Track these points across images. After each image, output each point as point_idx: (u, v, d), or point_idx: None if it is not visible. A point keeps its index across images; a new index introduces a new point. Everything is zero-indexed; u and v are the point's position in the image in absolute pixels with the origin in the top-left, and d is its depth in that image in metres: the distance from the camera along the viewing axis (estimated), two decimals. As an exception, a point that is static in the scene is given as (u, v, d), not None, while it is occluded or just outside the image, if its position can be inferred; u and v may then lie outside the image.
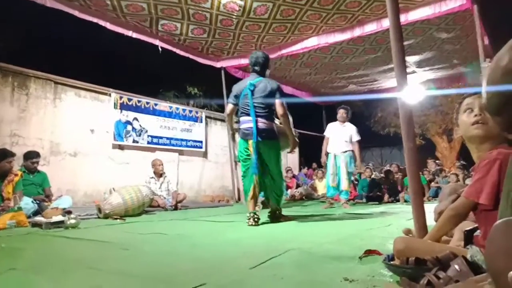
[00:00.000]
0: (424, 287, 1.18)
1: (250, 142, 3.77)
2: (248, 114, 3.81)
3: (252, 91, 3.81)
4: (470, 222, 1.55)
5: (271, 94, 3.81)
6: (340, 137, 6.18)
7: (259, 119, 3.77)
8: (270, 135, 3.80)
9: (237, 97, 3.95)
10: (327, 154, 6.30)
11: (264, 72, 3.99)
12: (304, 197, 9.01)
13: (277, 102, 3.80)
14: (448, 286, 1.10)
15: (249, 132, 3.77)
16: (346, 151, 6.14)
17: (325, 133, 6.38)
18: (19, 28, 10.27)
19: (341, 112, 6.29)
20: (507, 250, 0.81)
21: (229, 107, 4.09)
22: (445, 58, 7.97)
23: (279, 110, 3.81)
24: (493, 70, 0.93)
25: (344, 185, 6.08)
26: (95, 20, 5.59)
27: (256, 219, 3.63)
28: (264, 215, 4.01)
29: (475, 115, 1.47)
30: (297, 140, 4.26)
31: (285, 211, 4.28)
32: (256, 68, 3.97)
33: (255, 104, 3.78)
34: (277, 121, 4.03)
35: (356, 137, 6.21)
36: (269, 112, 3.83)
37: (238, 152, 4.08)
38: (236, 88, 4.01)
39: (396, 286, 1.38)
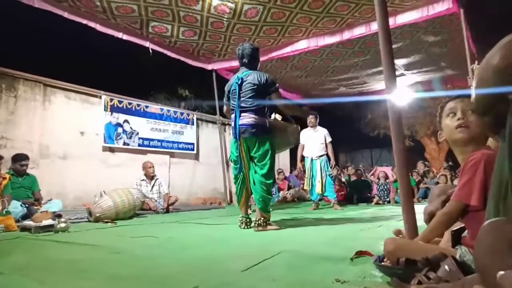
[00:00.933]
0: None
1: (241, 140, 3.53)
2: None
3: (240, 85, 3.56)
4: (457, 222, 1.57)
5: (261, 86, 3.52)
6: (314, 141, 6.44)
7: (247, 114, 3.50)
8: (260, 131, 3.50)
9: (229, 96, 3.75)
10: (303, 159, 6.57)
11: (254, 64, 3.72)
12: (295, 199, 9.04)
13: (273, 95, 3.55)
14: (439, 285, 1.11)
15: (241, 130, 3.53)
16: (322, 155, 6.38)
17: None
18: (7, 29, 10.14)
19: (310, 118, 6.51)
20: (495, 250, 0.83)
21: (224, 108, 3.92)
22: (432, 61, 8.07)
23: (278, 102, 3.58)
24: (484, 69, 0.94)
25: (318, 188, 6.23)
26: (84, 21, 5.55)
27: (248, 223, 3.59)
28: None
29: (458, 119, 1.50)
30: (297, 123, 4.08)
31: (276, 213, 4.24)
32: (244, 60, 3.69)
33: (243, 98, 3.53)
34: (278, 117, 3.90)
35: (329, 139, 6.46)
36: (258, 106, 3.52)
37: (230, 153, 3.86)
38: (226, 87, 3.78)
39: (387, 286, 1.39)
